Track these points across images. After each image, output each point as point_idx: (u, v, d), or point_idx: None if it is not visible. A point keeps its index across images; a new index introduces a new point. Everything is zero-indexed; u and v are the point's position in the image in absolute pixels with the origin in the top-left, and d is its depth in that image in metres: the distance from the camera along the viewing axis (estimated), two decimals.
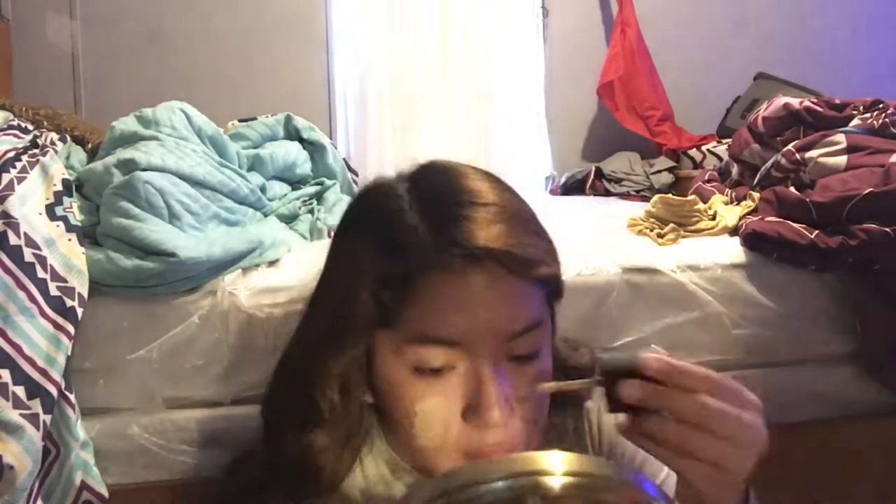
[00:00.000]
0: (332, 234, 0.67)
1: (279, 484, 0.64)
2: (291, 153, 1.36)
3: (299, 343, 0.65)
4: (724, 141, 2.34)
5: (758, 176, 1.37)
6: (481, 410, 0.56)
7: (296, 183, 1.40)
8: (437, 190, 0.61)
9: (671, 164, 2.45)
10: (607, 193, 2.40)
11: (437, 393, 0.57)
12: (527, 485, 0.40)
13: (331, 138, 2.20)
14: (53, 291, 0.87)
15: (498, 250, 0.55)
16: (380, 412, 0.66)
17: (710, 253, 1.13)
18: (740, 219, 1.24)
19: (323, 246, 1.15)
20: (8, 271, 0.84)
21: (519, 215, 0.59)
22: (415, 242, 0.57)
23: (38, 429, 0.80)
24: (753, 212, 1.25)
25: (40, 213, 0.94)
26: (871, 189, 1.08)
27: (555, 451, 0.42)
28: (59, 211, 0.97)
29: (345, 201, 1.39)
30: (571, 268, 1.04)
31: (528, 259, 0.56)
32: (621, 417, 0.49)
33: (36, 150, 1.08)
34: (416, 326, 0.57)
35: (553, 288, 0.61)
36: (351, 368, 0.61)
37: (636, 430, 0.49)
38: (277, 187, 1.33)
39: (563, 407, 0.71)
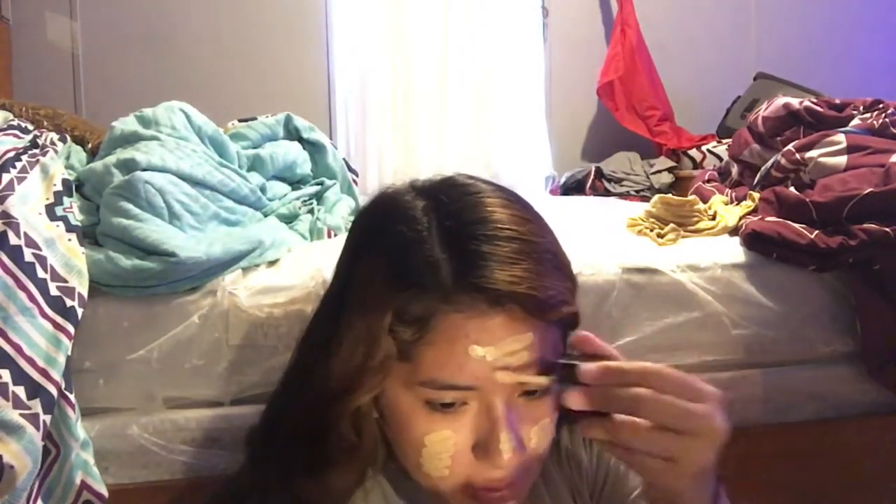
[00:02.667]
0: (341, 234, 0.65)
1: None
2: (291, 153, 1.36)
3: (310, 382, 0.61)
4: (724, 141, 2.34)
5: (758, 176, 1.37)
6: (491, 450, 0.55)
7: (296, 183, 1.40)
8: (458, 218, 0.57)
9: (671, 164, 2.45)
10: (607, 193, 2.40)
11: (448, 427, 0.56)
12: None
13: (331, 138, 2.20)
14: (53, 291, 0.87)
15: (521, 294, 0.53)
16: (387, 441, 0.64)
17: (710, 253, 1.13)
18: (740, 219, 1.24)
19: (323, 246, 1.16)
20: (8, 271, 0.84)
21: (542, 251, 0.57)
22: (435, 280, 0.55)
23: (38, 429, 0.80)
24: (753, 212, 1.25)
25: (40, 213, 0.94)
26: (871, 189, 1.08)
27: None
28: (59, 211, 0.97)
29: (345, 201, 1.39)
30: (572, 268, 1.04)
31: (550, 303, 0.55)
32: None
33: (36, 150, 1.08)
34: (433, 371, 0.55)
35: (571, 322, 0.60)
36: (367, 407, 0.60)
37: (588, 435, 0.50)
38: (277, 187, 1.33)
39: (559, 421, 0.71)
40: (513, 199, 0.60)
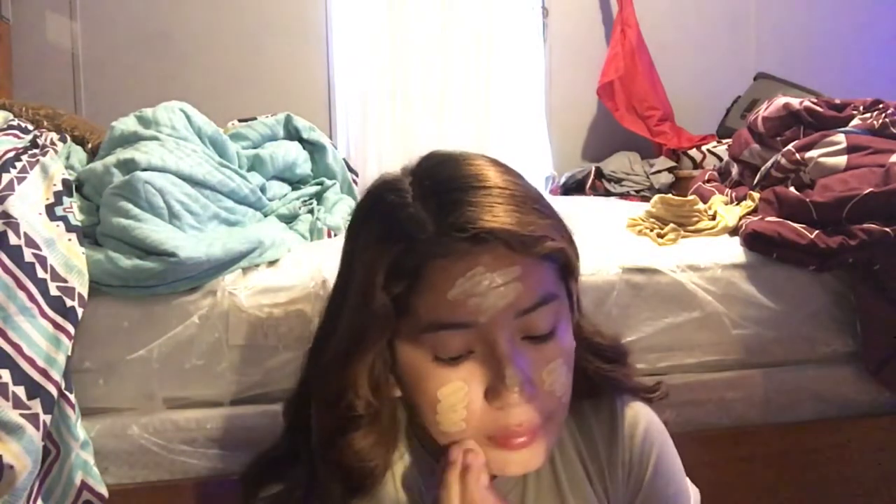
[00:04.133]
0: (341, 234, 0.67)
1: (329, 492, 0.64)
2: (291, 153, 1.36)
3: (326, 349, 0.65)
4: (724, 141, 2.34)
5: (758, 176, 1.37)
6: (501, 390, 0.57)
7: (296, 183, 1.40)
8: (437, 178, 0.61)
9: (671, 164, 2.45)
10: (607, 193, 2.40)
11: (458, 378, 0.58)
12: None
13: (331, 138, 2.20)
14: (53, 291, 0.87)
15: (500, 230, 0.55)
16: (408, 409, 0.67)
17: (710, 253, 1.13)
18: (740, 219, 1.24)
19: (323, 246, 1.16)
20: (8, 271, 0.84)
21: (521, 195, 0.59)
22: (419, 231, 0.57)
23: (38, 429, 0.80)
24: (753, 212, 1.26)
25: (40, 213, 0.94)
26: (871, 189, 1.08)
27: None
28: (59, 211, 0.97)
29: (345, 201, 1.39)
30: None
31: (532, 237, 0.56)
32: None
33: (36, 150, 1.08)
34: (430, 314, 0.58)
35: (564, 263, 0.61)
36: (377, 364, 0.62)
37: None
38: (277, 187, 1.33)
39: (597, 405, 0.71)
40: (494, 161, 0.63)
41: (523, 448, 0.59)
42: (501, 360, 0.57)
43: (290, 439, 0.69)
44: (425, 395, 0.60)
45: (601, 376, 0.70)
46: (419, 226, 0.58)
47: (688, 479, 0.74)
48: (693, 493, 0.74)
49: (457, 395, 0.58)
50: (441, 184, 0.60)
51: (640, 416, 0.71)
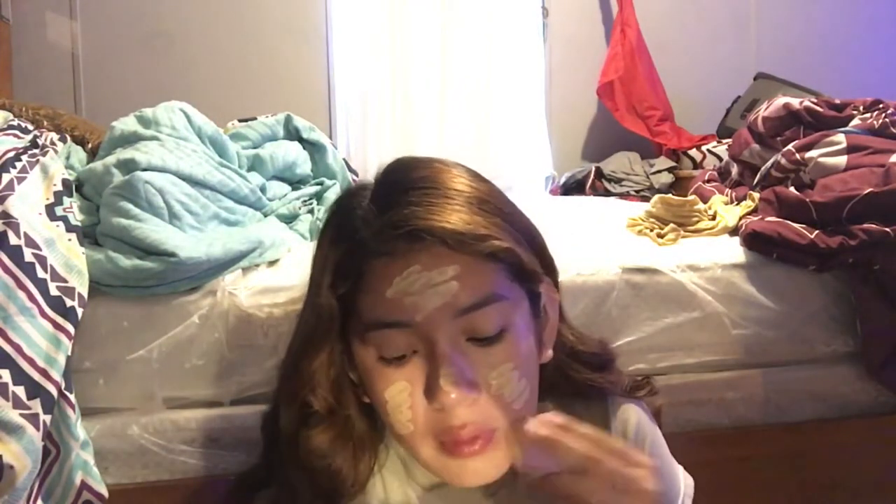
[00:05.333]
0: None
1: (300, 498, 0.64)
2: (291, 153, 1.36)
3: (287, 351, 0.66)
4: (724, 141, 2.34)
5: (758, 176, 1.37)
6: (436, 390, 0.56)
7: (296, 183, 1.40)
8: (389, 181, 0.62)
9: (671, 164, 2.45)
10: (607, 193, 2.40)
11: (403, 378, 0.58)
12: None
13: (331, 138, 2.20)
14: (53, 291, 0.87)
15: (437, 228, 0.55)
16: None
17: (710, 253, 1.13)
18: (740, 219, 1.24)
19: None
20: (8, 271, 0.84)
21: (471, 196, 0.59)
22: (362, 231, 0.59)
23: (38, 429, 0.79)
24: (753, 212, 1.26)
25: (40, 213, 0.94)
26: (871, 189, 1.08)
27: None
28: (59, 211, 0.97)
29: None
30: (571, 268, 1.04)
31: (471, 234, 0.56)
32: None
33: (36, 150, 1.08)
34: (371, 313, 0.58)
35: (515, 264, 0.59)
36: (334, 365, 0.62)
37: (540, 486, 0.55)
38: (277, 187, 1.33)
39: (587, 401, 0.71)
40: (452, 166, 0.63)
41: (476, 456, 0.58)
42: (438, 359, 0.57)
43: (269, 455, 0.69)
44: (375, 396, 0.60)
45: (586, 385, 0.69)
46: (362, 225, 0.59)
47: (681, 468, 0.74)
48: (686, 479, 0.74)
49: (402, 395, 0.58)
50: (391, 186, 0.61)
51: (631, 414, 0.71)
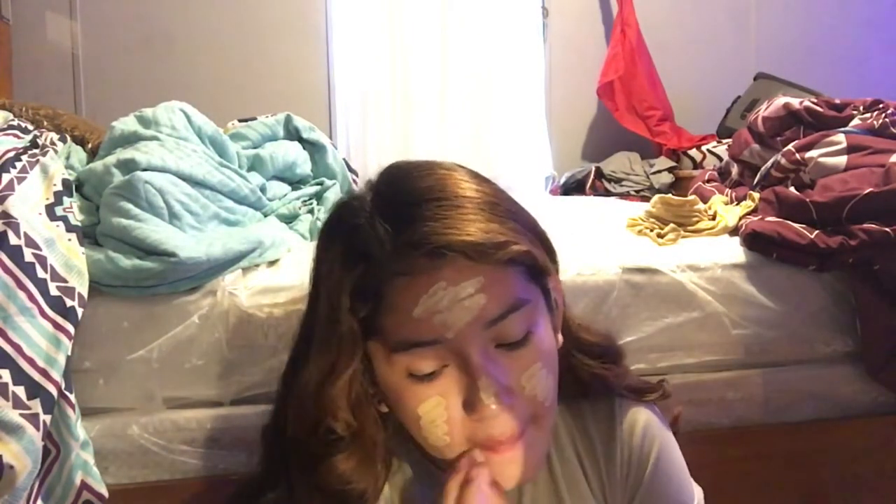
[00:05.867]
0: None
1: None
2: (291, 153, 1.36)
3: (299, 376, 0.64)
4: (724, 141, 2.34)
5: (758, 176, 1.37)
6: (476, 402, 0.56)
7: (296, 183, 1.40)
8: (393, 192, 0.61)
9: (671, 164, 2.45)
10: (607, 193, 2.40)
11: (436, 393, 0.58)
12: None
13: (331, 138, 2.20)
14: (53, 291, 0.87)
15: (458, 242, 0.55)
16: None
17: (710, 253, 1.13)
18: (740, 219, 1.24)
19: None
20: (8, 271, 0.84)
21: (481, 202, 0.58)
22: (377, 251, 0.57)
23: (38, 429, 0.79)
24: (753, 212, 1.25)
25: (40, 213, 0.94)
26: (871, 189, 1.08)
27: None
28: (59, 211, 0.97)
29: None
30: (571, 268, 1.04)
31: (491, 244, 0.55)
32: None
33: (36, 150, 1.08)
34: (398, 334, 0.57)
35: (532, 265, 0.59)
36: (354, 385, 0.61)
37: None
38: (277, 187, 1.33)
39: (595, 405, 0.71)
40: (452, 168, 0.62)
41: (515, 450, 0.59)
42: (474, 372, 0.56)
43: (268, 467, 0.68)
44: (406, 413, 0.60)
45: (589, 374, 0.69)
46: (377, 245, 0.57)
47: (691, 479, 0.74)
48: (696, 492, 0.74)
49: (436, 410, 0.58)
50: (397, 198, 0.60)
51: (639, 417, 0.70)
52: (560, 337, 0.66)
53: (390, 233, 0.57)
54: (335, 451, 0.62)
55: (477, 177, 0.62)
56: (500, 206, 0.59)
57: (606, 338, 0.72)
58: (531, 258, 0.58)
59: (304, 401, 0.62)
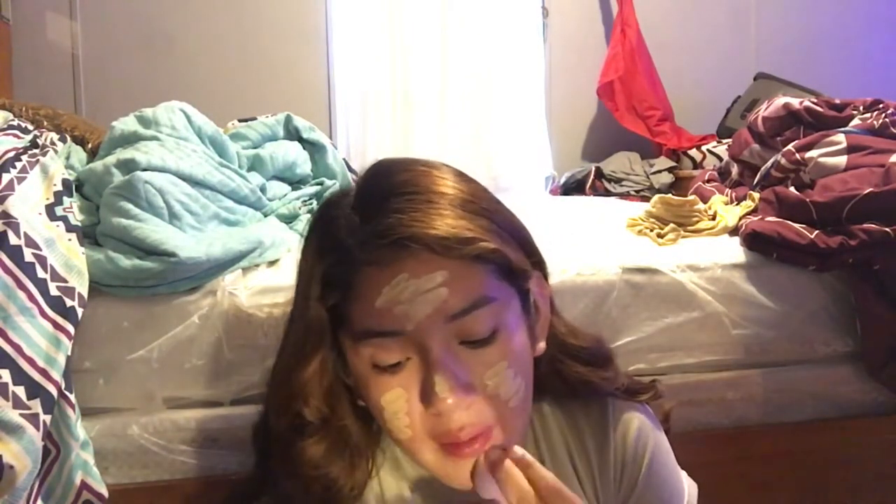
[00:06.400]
0: None
1: None
2: (291, 153, 1.36)
3: (277, 362, 0.66)
4: (724, 141, 2.34)
5: (758, 176, 1.37)
6: (432, 396, 0.57)
7: (296, 183, 1.40)
8: (371, 186, 0.62)
9: (671, 164, 2.45)
10: (607, 193, 2.40)
11: (398, 385, 0.58)
12: None
13: (331, 138, 2.20)
14: (53, 291, 0.87)
15: (421, 235, 0.55)
16: None
17: (710, 253, 1.13)
18: (740, 219, 1.24)
19: None
20: (8, 271, 0.84)
21: (450, 197, 0.58)
22: (347, 240, 0.58)
23: (38, 429, 0.79)
24: (753, 212, 1.26)
25: (40, 213, 0.94)
26: (871, 189, 1.08)
27: None
28: (59, 211, 0.97)
29: None
30: (571, 268, 1.04)
31: (456, 238, 0.55)
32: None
33: (36, 150, 1.08)
34: (362, 323, 0.58)
35: (503, 264, 0.59)
36: (326, 374, 0.62)
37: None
38: (277, 187, 1.33)
39: (587, 405, 0.71)
40: (435, 167, 0.62)
41: (475, 455, 0.58)
42: (431, 365, 0.57)
43: (262, 464, 0.69)
44: (371, 403, 0.60)
45: (578, 379, 0.69)
46: (346, 235, 0.58)
47: (684, 473, 0.74)
48: (689, 486, 0.74)
49: (398, 402, 0.58)
50: (373, 190, 0.60)
51: (632, 420, 0.70)
52: (542, 345, 0.66)
53: (358, 222, 0.58)
54: (304, 434, 0.62)
55: (459, 175, 0.62)
56: (475, 203, 0.59)
57: (596, 341, 0.72)
58: (502, 257, 0.58)
59: (278, 387, 0.64)
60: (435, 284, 0.56)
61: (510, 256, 0.59)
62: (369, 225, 0.57)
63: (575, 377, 0.69)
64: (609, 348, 0.72)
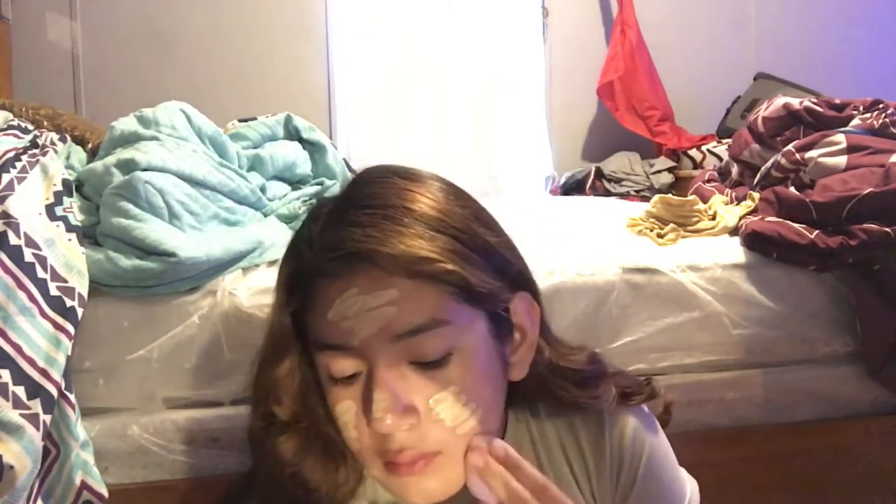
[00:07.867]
0: None
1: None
2: (291, 153, 1.36)
3: (257, 360, 0.66)
4: (724, 141, 2.34)
5: (758, 176, 1.37)
6: (368, 413, 0.56)
7: (296, 183, 1.40)
8: (343, 197, 0.61)
9: (671, 164, 2.45)
10: (607, 193, 2.40)
11: (348, 397, 0.58)
12: None
13: (331, 138, 2.20)
14: (53, 291, 0.87)
15: (370, 251, 0.54)
16: None
17: (710, 253, 1.13)
18: (740, 219, 1.24)
19: None
20: (8, 271, 0.84)
21: (418, 214, 0.56)
22: (306, 251, 0.59)
23: (38, 429, 0.79)
24: (753, 212, 1.26)
25: (40, 213, 0.94)
26: (871, 189, 1.08)
27: None
28: (59, 211, 0.97)
29: None
30: (571, 268, 1.04)
31: (406, 257, 0.53)
32: None
33: (36, 150, 1.08)
34: (315, 333, 0.59)
35: (462, 287, 0.56)
36: (297, 375, 0.62)
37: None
38: (277, 187, 1.33)
39: (584, 410, 0.70)
40: (414, 178, 0.61)
41: (421, 475, 0.57)
42: (372, 383, 0.56)
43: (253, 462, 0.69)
44: (331, 411, 0.61)
45: (568, 400, 0.67)
46: (308, 245, 0.59)
47: (684, 472, 0.74)
48: (691, 484, 0.74)
49: (348, 414, 0.58)
50: (343, 200, 0.60)
51: (627, 425, 0.69)
52: (524, 370, 0.64)
53: (319, 235, 0.58)
54: (276, 431, 0.62)
55: (443, 191, 0.60)
56: (445, 221, 0.57)
57: (589, 361, 0.69)
58: (460, 279, 0.55)
59: (254, 386, 0.65)
60: (381, 302, 0.55)
61: (470, 280, 0.56)
62: (325, 236, 0.57)
63: (566, 398, 0.67)
64: (603, 365, 0.70)
